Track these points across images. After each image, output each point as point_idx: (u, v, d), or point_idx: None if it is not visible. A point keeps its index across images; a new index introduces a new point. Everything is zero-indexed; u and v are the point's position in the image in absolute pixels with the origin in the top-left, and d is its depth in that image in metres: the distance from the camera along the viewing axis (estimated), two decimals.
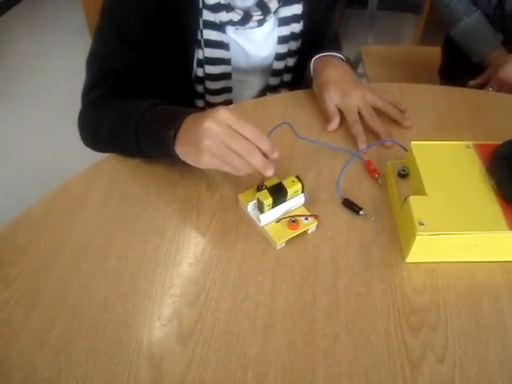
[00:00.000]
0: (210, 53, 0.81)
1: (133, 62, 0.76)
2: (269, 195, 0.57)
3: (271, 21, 0.82)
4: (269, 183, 0.60)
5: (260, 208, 0.58)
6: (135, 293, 0.54)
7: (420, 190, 0.59)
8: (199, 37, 0.79)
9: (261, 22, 0.80)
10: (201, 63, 0.82)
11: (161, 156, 0.65)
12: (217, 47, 0.80)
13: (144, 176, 0.67)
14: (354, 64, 1.46)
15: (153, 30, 0.75)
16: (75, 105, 0.76)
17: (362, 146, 0.70)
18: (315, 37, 0.88)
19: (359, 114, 0.73)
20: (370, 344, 0.50)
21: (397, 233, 0.60)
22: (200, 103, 0.90)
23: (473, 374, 0.48)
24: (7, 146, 1.87)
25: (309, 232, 0.60)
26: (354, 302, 0.53)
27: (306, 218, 0.59)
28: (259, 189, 0.60)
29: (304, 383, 0.47)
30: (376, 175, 0.66)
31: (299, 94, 0.83)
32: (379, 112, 0.74)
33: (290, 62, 0.89)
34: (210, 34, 0.79)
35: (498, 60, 1.14)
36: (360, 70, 1.49)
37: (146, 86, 0.83)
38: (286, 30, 0.84)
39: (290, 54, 0.87)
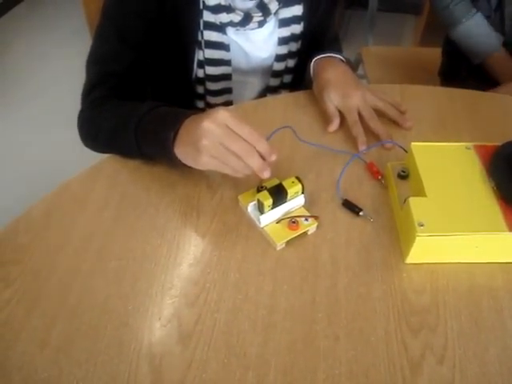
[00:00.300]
0: (210, 54, 0.81)
1: (133, 62, 0.76)
2: (269, 196, 0.57)
3: (271, 22, 0.82)
4: (269, 184, 0.60)
5: (260, 209, 0.58)
6: (135, 293, 0.54)
7: (420, 191, 0.59)
8: (200, 38, 0.79)
9: (261, 23, 0.80)
10: (201, 64, 0.82)
11: (161, 157, 0.65)
12: (217, 48, 0.80)
13: (144, 177, 0.67)
14: (354, 65, 1.46)
15: (153, 30, 0.75)
16: (75, 105, 0.77)
17: (362, 147, 0.70)
18: (315, 38, 0.88)
19: (359, 114, 0.73)
20: (369, 345, 0.50)
21: (397, 234, 0.60)
22: (200, 104, 0.90)
23: (472, 375, 0.48)
24: (7, 147, 1.87)
25: (309, 233, 0.60)
26: (353, 302, 0.53)
27: (306, 219, 0.59)
28: (259, 190, 0.60)
29: None
30: (379, 177, 0.66)
31: (299, 95, 0.83)
32: (379, 113, 0.74)
33: (291, 63, 0.89)
34: (210, 35, 0.79)
35: (499, 62, 1.15)
36: (360, 71, 1.49)
37: (146, 88, 0.83)
38: (286, 31, 0.84)
39: (290, 55, 0.87)
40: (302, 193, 0.60)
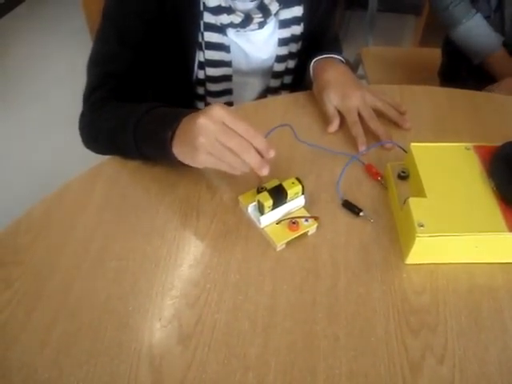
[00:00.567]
0: (210, 55, 0.81)
1: (133, 64, 0.77)
2: (269, 197, 0.57)
3: (272, 23, 0.82)
4: (269, 185, 0.60)
5: (260, 209, 0.58)
6: (136, 294, 0.54)
7: (420, 192, 0.59)
8: (200, 39, 0.79)
9: (261, 25, 0.80)
10: (202, 65, 0.83)
11: (159, 157, 0.65)
12: (217, 49, 0.81)
13: (144, 178, 0.67)
14: (353, 66, 1.46)
15: (153, 32, 0.76)
16: (76, 106, 0.77)
17: (362, 147, 0.70)
18: (315, 39, 0.88)
19: (359, 115, 0.73)
20: (369, 345, 0.50)
21: (396, 234, 0.60)
22: (201, 105, 0.91)
23: (472, 375, 0.48)
24: (8, 147, 1.88)
25: (309, 233, 0.60)
26: (353, 303, 0.53)
27: (306, 220, 0.60)
28: (259, 190, 0.60)
29: None
30: (379, 177, 0.66)
31: (299, 96, 0.83)
32: (379, 113, 0.75)
33: (291, 63, 0.89)
34: (210, 36, 0.79)
35: (499, 62, 1.15)
36: (360, 71, 1.49)
37: (146, 89, 0.83)
38: (286, 32, 0.84)
39: (290, 56, 0.88)
40: (302, 193, 0.60)
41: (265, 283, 0.55)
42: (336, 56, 0.83)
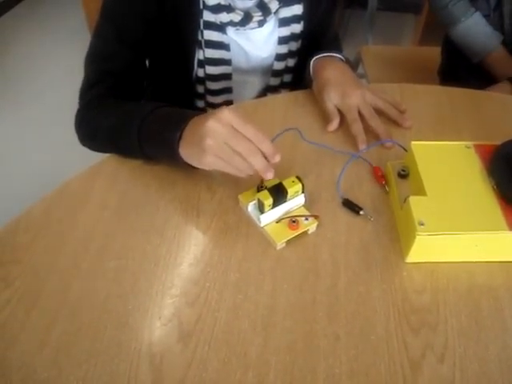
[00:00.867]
0: (210, 53, 0.81)
1: (132, 62, 0.76)
2: (269, 195, 0.57)
3: (271, 21, 0.82)
4: (269, 183, 0.60)
5: (260, 208, 0.58)
6: (135, 293, 0.54)
7: (420, 191, 0.59)
8: (200, 37, 0.79)
9: (261, 23, 0.80)
10: (201, 64, 0.82)
11: (164, 158, 0.65)
12: (217, 48, 0.80)
13: (144, 176, 0.67)
14: (353, 64, 1.46)
15: (153, 30, 0.75)
16: (75, 105, 0.76)
17: (362, 145, 0.70)
18: (315, 37, 0.88)
19: (359, 113, 0.73)
20: (370, 344, 0.50)
21: (397, 233, 0.60)
22: (200, 103, 0.90)
23: (473, 374, 0.48)
24: (7, 146, 1.87)
25: (309, 232, 0.60)
26: (354, 302, 0.53)
27: (307, 219, 0.59)
28: (259, 189, 0.60)
29: (304, 383, 0.47)
30: (383, 182, 0.65)
31: (299, 95, 0.83)
32: (379, 112, 0.74)
33: (291, 62, 0.89)
34: (210, 35, 0.79)
35: (498, 60, 1.15)
36: (360, 70, 1.49)
37: (143, 87, 0.83)
38: (286, 31, 0.84)
39: (290, 54, 0.87)
40: (302, 192, 0.60)
41: (265, 282, 0.55)
42: (336, 54, 0.83)
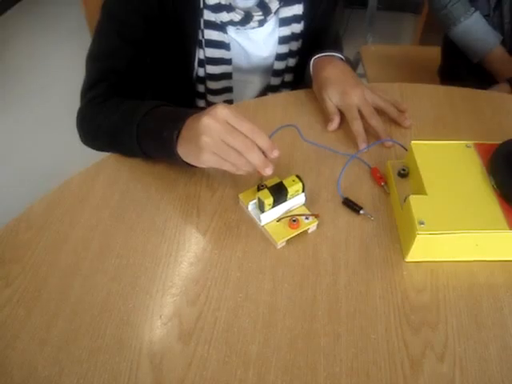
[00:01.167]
0: (210, 53, 0.81)
1: (133, 60, 0.76)
2: (269, 194, 0.57)
3: (272, 21, 0.82)
4: (269, 183, 0.60)
5: (261, 207, 0.58)
6: (136, 291, 0.54)
7: (420, 190, 0.59)
8: (200, 37, 0.79)
9: (261, 23, 0.80)
10: (202, 63, 0.82)
11: (162, 157, 0.65)
12: (218, 47, 0.80)
13: (144, 175, 0.67)
14: (353, 64, 1.46)
15: (154, 28, 0.75)
16: (75, 104, 0.76)
17: (362, 145, 0.70)
18: (316, 37, 0.88)
19: (359, 112, 0.73)
20: (370, 342, 0.50)
21: (397, 232, 0.60)
22: (201, 103, 0.90)
23: (473, 373, 0.48)
24: (7, 146, 1.87)
25: (309, 231, 0.60)
26: (354, 300, 0.53)
27: (307, 218, 0.60)
28: (260, 188, 0.60)
29: (305, 382, 0.47)
30: (382, 183, 0.65)
31: (300, 94, 0.83)
32: (379, 111, 0.74)
33: (291, 62, 0.89)
34: (210, 34, 0.79)
35: (498, 60, 1.15)
36: (359, 69, 1.49)
37: (145, 86, 0.83)
38: (286, 31, 0.84)
39: (290, 54, 0.87)
40: (303, 191, 0.60)
41: (265, 281, 0.55)
42: (336, 54, 0.83)
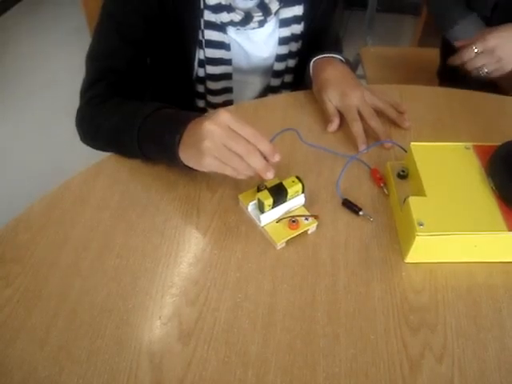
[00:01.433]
0: (210, 53, 0.81)
1: (133, 60, 0.76)
2: (269, 195, 0.57)
3: (272, 22, 0.82)
4: (269, 183, 0.60)
5: (260, 208, 0.59)
6: (136, 292, 0.54)
7: (419, 191, 0.59)
8: (200, 37, 0.79)
9: (261, 23, 0.80)
10: (202, 63, 0.83)
11: (163, 160, 0.66)
12: (218, 47, 0.81)
13: (145, 175, 0.67)
14: (353, 65, 1.46)
15: (154, 28, 0.75)
16: (76, 105, 0.76)
17: (362, 146, 0.71)
18: (316, 38, 0.88)
19: (359, 114, 0.73)
20: (369, 343, 0.50)
21: (396, 233, 0.60)
22: (201, 103, 0.91)
23: (471, 374, 0.48)
24: (7, 146, 1.87)
25: (309, 232, 0.60)
26: (353, 301, 0.54)
27: (306, 218, 0.60)
28: (260, 189, 0.60)
29: (304, 382, 0.47)
30: (382, 184, 0.65)
31: (300, 95, 0.83)
32: (378, 113, 0.75)
33: (291, 63, 0.89)
34: (211, 35, 0.79)
35: None
36: (359, 71, 1.49)
37: (145, 86, 0.83)
38: (286, 31, 0.84)
39: (290, 55, 0.88)
40: (303, 192, 0.60)
41: (265, 281, 0.55)
42: (336, 55, 0.83)
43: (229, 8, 0.76)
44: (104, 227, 0.61)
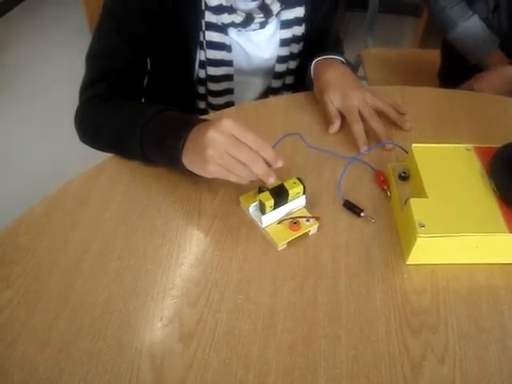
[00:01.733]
0: (212, 54, 0.81)
1: (133, 60, 0.76)
2: (270, 197, 0.57)
3: (273, 23, 0.82)
4: (270, 185, 0.60)
5: (261, 209, 0.59)
6: (137, 293, 0.54)
7: (421, 192, 0.59)
8: (201, 38, 0.79)
9: (263, 25, 0.80)
10: (203, 64, 0.83)
11: (166, 163, 0.66)
12: (219, 49, 0.81)
13: (145, 177, 0.67)
14: (354, 67, 1.46)
15: (154, 28, 0.75)
16: (76, 106, 0.76)
17: (363, 147, 0.71)
18: (317, 39, 0.88)
19: (360, 115, 0.73)
20: (370, 345, 0.50)
21: (397, 234, 0.60)
22: (202, 104, 0.91)
23: (473, 375, 0.48)
24: (7, 147, 1.87)
25: (310, 233, 0.60)
26: (354, 303, 0.53)
27: (308, 220, 0.60)
28: (261, 190, 0.60)
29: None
30: (385, 187, 0.65)
31: (301, 97, 0.83)
32: (379, 114, 0.75)
33: (292, 64, 0.89)
34: (212, 36, 0.79)
35: (497, 62, 1.15)
36: (360, 72, 1.49)
37: (144, 87, 0.83)
38: (287, 33, 0.84)
39: (292, 56, 0.88)
40: (304, 193, 0.60)
41: (266, 283, 0.55)
42: (336, 57, 0.83)
43: (230, 9, 0.77)
44: (105, 228, 0.61)
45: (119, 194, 0.65)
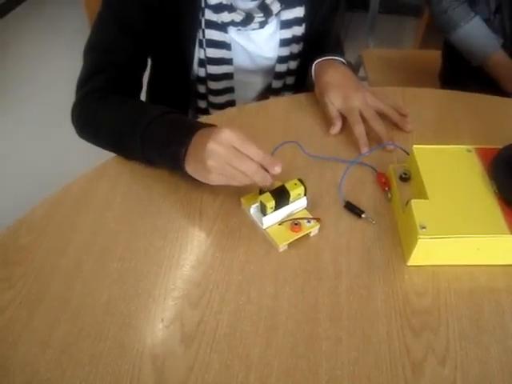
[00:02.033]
0: (211, 53, 0.81)
1: (132, 54, 0.76)
2: (271, 198, 0.57)
3: (273, 23, 0.83)
4: (271, 186, 0.60)
5: (263, 211, 0.59)
6: (138, 294, 0.54)
7: (422, 194, 0.59)
8: (201, 36, 0.79)
9: (262, 24, 0.80)
10: (203, 63, 0.83)
11: (167, 167, 0.66)
12: (219, 47, 0.81)
13: (147, 178, 0.67)
14: (355, 67, 1.46)
15: (153, 22, 0.75)
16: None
17: (364, 149, 0.71)
18: (317, 40, 0.88)
19: (361, 116, 0.73)
20: (371, 346, 0.50)
21: (398, 236, 0.60)
22: (203, 104, 0.91)
23: (474, 377, 0.48)
24: (9, 147, 1.87)
25: (311, 235, 0.60)
26: (355, 304, 0.53)
27: (309, 221, 0.60)
28: (262, 191, 0.60)
29: None
30: (386, 188, 0.65)
31: (301, 98, 0.83)
32: (380, 115, 0.75)
33: (293, 64, 0.89)
34: (211, 34, 0.79)
35: (499, 63, 1.15)
36: (361, 73, 1.49)
37: (141, 83, 0.82)
38: (287, 33, 0.84)
39: (292, 56, 0.88)
40: (305, 195, 0.61)
41: (267, 284, 0.55)
42: (337, 58, 0.83)
43: (230, 8, 0.77)
44: (106, 230, 0.61)
45: (120, 195, 0.65)
